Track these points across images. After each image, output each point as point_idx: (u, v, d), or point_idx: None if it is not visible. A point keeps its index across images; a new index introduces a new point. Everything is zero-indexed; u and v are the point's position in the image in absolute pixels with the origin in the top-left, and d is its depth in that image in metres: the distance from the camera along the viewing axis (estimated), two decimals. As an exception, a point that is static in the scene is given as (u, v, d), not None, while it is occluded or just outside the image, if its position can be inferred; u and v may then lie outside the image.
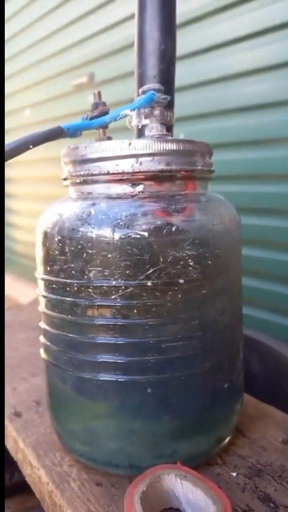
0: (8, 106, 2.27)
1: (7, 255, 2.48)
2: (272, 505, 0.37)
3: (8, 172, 2.35)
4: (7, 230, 2.45)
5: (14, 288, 2.21)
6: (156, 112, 0.39)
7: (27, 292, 1.94)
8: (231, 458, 0.43)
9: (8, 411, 0.53)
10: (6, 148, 0.36)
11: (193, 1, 1.01)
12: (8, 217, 2.42)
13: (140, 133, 0.44)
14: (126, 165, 0.37)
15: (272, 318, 0.95)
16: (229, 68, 0.97)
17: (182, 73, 1.07)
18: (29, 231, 2.14)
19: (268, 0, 0.87)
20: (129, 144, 0.37)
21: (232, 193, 0.95)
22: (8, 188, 2.39)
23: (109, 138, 0.42)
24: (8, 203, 2.40)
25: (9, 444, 0.51)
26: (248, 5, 0.91)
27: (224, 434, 0.43)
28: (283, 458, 0.42)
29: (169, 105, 0.43)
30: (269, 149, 0.92)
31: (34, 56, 1.92)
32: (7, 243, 2.47)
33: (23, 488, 0.80)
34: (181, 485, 0.35)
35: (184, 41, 1.01)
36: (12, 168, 2.30)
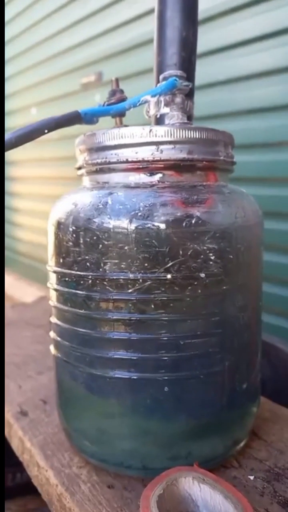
0: (14, 104, 2.26)
1: (9, 254, 2.47)
2: (293, 511, 0.35)
3: (12, 171, 2.35)
4: (10, 229, 2.43)
5: (17, 288, 2.20)
6: (178, 99, 0.38)
7: (31, 291, 1.93)
8: (247, 461, 0.41)
9: (13, 409, 0.52)
10: (20, 132, 0.34)
11: (202, 3, 1.00)
12: (11, 216, 2.41)
13: (158, 123, 0.42)
14: (146, 153, 0.36)
15: (283, 324, 0.94)
16: (239, 70, 0.96)
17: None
18: (31, 230, 2.13)
19: (279, 3, 0.86)
20: (150, 130, 0.35)
21: None
22: (11, 187, 2.38)
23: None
24: (11, 201, 2.39)
25: (14, 444, 0.49)
26: (259, 7, 0.90)
27: (240, 436, 0.41)
28: (302, 462, 0.41)
29: (190, 94, 0.42)
30: (278, 152, 0.91)
31: (42, 54, 1.91)
32: (9, 242, 2.46)
33: (25, 489, 0.79)
34: (199, 488, 0.34)
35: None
36: (15, 167, 2.29)
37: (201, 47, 1.02)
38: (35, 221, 2.06)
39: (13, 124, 2.28)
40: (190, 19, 0.41)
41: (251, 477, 0.39)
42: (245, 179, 0.95)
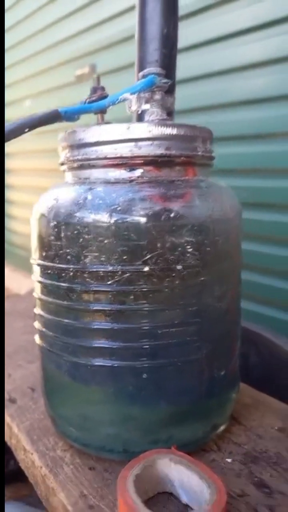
0: (9, 96, 2.25)
1: (5, 246, 2.48)
2: (267, 490, 0.37)
3: (6, 163, 2.34)
4: (6, 221, 2.44)
5: (13, 279, 2.21)
6: (157, 96, 0.39)
7: (27, 283, 1.94)
8: (226, 445, 0.43)
9: (3, 397, 0.53)
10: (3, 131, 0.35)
11: None
12: (6, 208, 2.41)
13: (140, 118, 0.43)
14: (125, 150, 0.37)
15: (265, 312, 0.95)
16: (233, 60, 0.96)
17: (186, 65, 1.05)
18: (27, 222, 2.14)
19: None
20: (128, 128, 0.36)
21: (233, 187, 0.94)
22: (7, 179, 2.38)
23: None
24: (6, 194, 2.39)
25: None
26: None
27: (219, 421, 0.43)
28: (279, 445, 0.43)
29: (170, 90, 0.43)
30: (271, 143, 0.91)
31: (36, 46, 1.90)
32: (6, 234, 2.46)
33: (18, 476, 0.81)
34: (175, 469, 0.35)
35: (189, 32, 1.00)
36: (10, 159, 2.29)
37: (198, 37, 1.01)
38: (30, 213, 2.07)
39: (9, 116, 2.27)
40: (170, 16, 0.42)
41: (229, 460, 0.41)
42: (238, 171, 0.96)
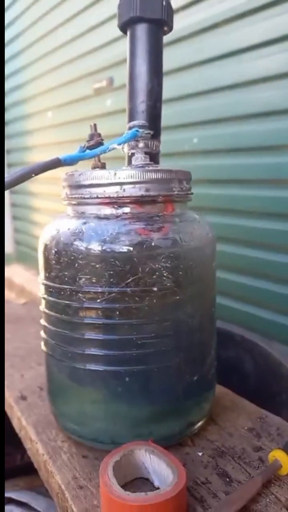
0: (31, 108, 2.37)
1: (27, 251, 2.59)
2: (227, 479, 0.43)
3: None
4: (29, 227, 2.56)
5: (34, 282, 2.32)
6: (141, 144, 0.46)
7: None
8: (200, 441, 0.50)
9: (15, 395, 0.62)
10: (12, 177, 0.43)
11: (208, 10, 1.05)
12: (30, 215, 2.53)
13: (130, 159, 0.51)
14: (112, 191, 0.44)
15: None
16: (244, 74, 0.99)
17: (198, 80, 1.11)
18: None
19: (282, 9, 0.90)
20: (115, 174, 0.44)
21: (246, 197, 0.99)
22: (31, 187, 2.50)
23: (103, 164, 0.49)
24: (31, 201, 2.51)
25: (14, 422, 0.59)
26: (261, 14, 0.94)
27: (194, 419, 0.50)
28: (246, 443, 0.49)
29: (155, 136, 0.50)
30: (280, 155, 0.95)
31: (56, 60, 2.00)
32: (28, 239, 2.58)
33: (33, 468, 0.89)
34: (149, 458, 0.42)
35: (200, 48, 1.06)
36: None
37: (209, 53, 1.06)
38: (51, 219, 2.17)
39: (32, 126, 2.38)
40: (155, 74, 0.49)
41: (200, 454, 0.48)
42: (250, 181, 1.00)
